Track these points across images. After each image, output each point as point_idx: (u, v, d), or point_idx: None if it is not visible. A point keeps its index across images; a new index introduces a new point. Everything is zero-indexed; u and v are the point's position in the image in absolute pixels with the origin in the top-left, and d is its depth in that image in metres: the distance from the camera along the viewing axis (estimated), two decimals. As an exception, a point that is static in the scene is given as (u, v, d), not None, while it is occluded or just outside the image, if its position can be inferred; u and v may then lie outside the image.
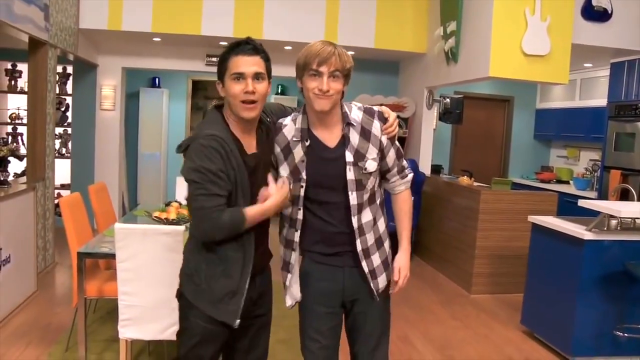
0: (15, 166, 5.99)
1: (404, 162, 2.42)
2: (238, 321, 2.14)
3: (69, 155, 7.84)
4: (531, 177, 8.60)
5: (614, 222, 4.04)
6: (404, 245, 2.42)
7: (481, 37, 5.63)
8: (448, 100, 6.96)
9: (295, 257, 2.37)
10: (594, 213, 4.06)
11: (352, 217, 2.26)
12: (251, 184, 2.11)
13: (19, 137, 7.66)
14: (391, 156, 2.34)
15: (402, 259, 2.39)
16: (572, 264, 4.06)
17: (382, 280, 2.37)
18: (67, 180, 7.71)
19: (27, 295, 4.77)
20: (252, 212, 2.07)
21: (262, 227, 2.23)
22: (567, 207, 6.30)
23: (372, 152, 2.25)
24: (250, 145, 2.15)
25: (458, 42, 6.09)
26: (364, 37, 7.02)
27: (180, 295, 2.22)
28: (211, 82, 11.27)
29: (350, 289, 2.35)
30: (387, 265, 2.40)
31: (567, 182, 8.04)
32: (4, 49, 7.29)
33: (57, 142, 7.72)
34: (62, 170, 7.48)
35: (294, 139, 2.25)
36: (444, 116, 7.13)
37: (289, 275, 2.39)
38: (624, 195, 6.08)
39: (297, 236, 2.33)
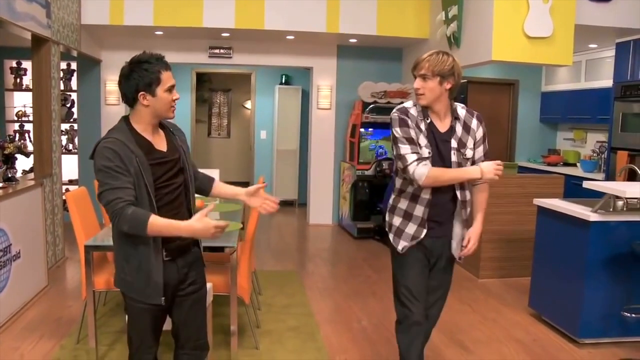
0: (23, 163, 6.04)
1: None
2: (163, 298, 2.38)
3: (76, 151, 7.89)
4: (538, 161, 8.56)
5: (620, 203, 4.01)
6: (478, 220, 2.93)
7: (483, 21, 5.60)
8: (452, 85, 6.93)
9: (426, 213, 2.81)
10: (600, 195, 4.05)
11: (457, 191, 2.80)
12: (158, 177, 2.34)
13: (26, 135, 7.72)
14: (479, 151, 2.84)
15: (474, 231, 2.90)
16: (579, 246, 4.06)
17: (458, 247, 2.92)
18: (74, 176, 7.76)
19: (38, 290, 4.83)
20: (160, 222, 2.22)
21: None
22: (575, 189, 6.27)
23: (470, 143, 2.80)
24: (160, 143, 2.42)
25: (460, 27, 6.06)
26: (366, 24, 7.01)
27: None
28: (215, 74, 11.30)
29: (437, 252, 2.89)
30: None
31: (575, 165, 8.00)
32: (8, 48, 7.33)
33: (64, 139, 7.77)
34: (70, 166, 7.53)
35: (419, 117, 2.76)
36: (448, 102, 7.11)
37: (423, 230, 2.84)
38: (633, 177, 6.05)
39: (428, 193, 2.77)
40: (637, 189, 3.82)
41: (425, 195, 2.76)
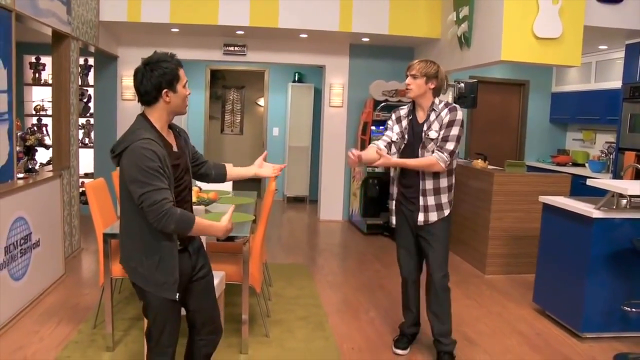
0: (41, 156, 6.19)
1: (448, 146, 3.41)
2: (177, 295, 2.47)
3: (92, 145, 8.06)
4: (547, 161, 8.63)
5: (624, 201, 4.09)
6: (393, 158, 3.51)
7: (493, 21, 5.69)
8: (462, 85, 7.00)
9: (396, 191, 3.68)
10: (606, 193, 4.11)
11: (419, 175, 3.50)
12: (175, 177, 2.46)
13: (44, 128, 7.90)
14: (441, 134, 3.44)
15: (367, 150, 3.57)
16: (582, 242, 4.14)
17: (432, 216, 3.52)
18: (90, 169, 7.93)
19: (55, 278, 4.99)
20: (202, 222, 2.42)
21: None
22: (582, 189, 6.31)
23: (436, 127, 3.46)
24: (174, 144, 2.54)
25: (470, 27, 6.16)
26: (379, 23, 7.11)
27: (133, 283, 2.52)
28: (229, 71, 11.44)
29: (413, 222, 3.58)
30: (439, 207, 3.52)
31: (583, 165, 8.06)
32: (28, 43, 7.50)
33: (80, 133, 7.93)
34: (86, 160, 7.69)
35: (404, 115, 3.62)
36: (458, 101, 7.17)
37: (393, 202, 3.73)
38: (639, 176, 6.11)
39: (397, 173, 3.65)
40: (639, 186, 3.90)
41: (395, 182, 3.69)
